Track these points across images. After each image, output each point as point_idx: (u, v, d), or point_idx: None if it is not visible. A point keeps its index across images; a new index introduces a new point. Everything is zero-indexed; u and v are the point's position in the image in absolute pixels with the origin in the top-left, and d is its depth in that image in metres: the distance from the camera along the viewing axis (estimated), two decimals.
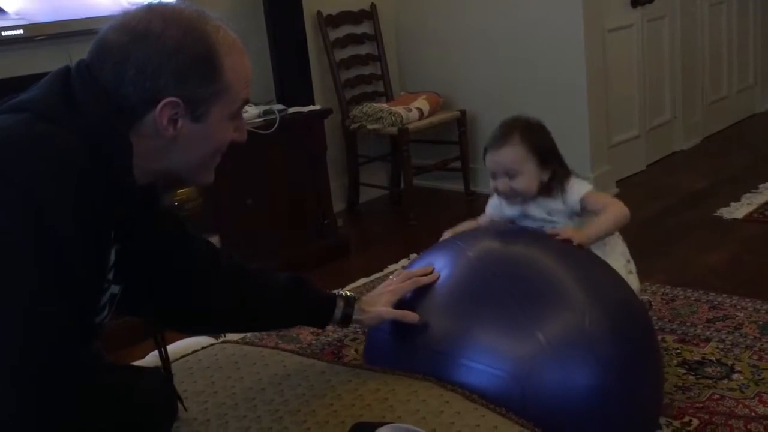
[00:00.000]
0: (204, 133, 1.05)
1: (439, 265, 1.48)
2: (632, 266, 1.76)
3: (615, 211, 1.65)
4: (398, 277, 1.49)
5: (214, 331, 1.57)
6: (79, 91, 0.99)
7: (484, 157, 1.68)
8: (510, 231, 1.66)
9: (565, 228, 1.58)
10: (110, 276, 1.06)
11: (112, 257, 1.04)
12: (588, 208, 1.66)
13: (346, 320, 1.40)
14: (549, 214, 1.68)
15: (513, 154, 1.62)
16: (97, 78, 1.00)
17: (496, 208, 1.77)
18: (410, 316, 1.40)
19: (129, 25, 1.01)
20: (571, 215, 1.68)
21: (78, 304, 0.94)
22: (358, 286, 2.68)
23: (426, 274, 1.46)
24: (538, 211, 1.69)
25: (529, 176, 1.63)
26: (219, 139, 1.08)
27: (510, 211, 1.73)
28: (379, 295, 1.44)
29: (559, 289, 1.38)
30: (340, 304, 1.40)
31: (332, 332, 2.38)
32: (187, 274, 1.25)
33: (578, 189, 1.66)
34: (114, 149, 0.98)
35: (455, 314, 1.38)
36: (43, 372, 0.88)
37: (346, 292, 1.42)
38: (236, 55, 1.05)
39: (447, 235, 1.71)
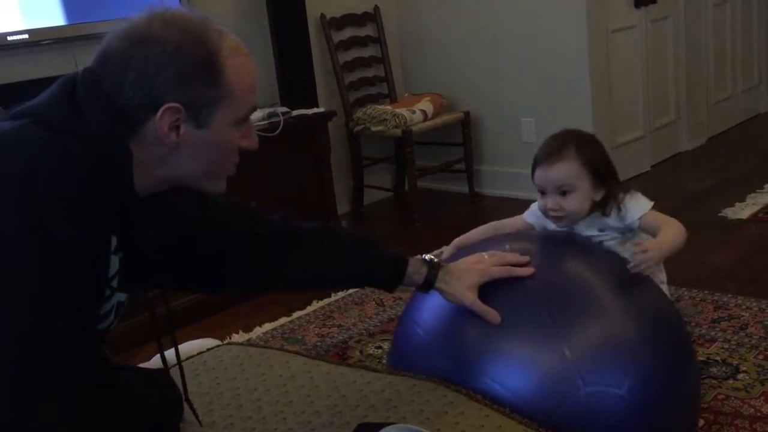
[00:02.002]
0: (208, 140, 1.03)
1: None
2: (664, 275, 1.66)
3: (678, 226, 1.51)
4: (492, 258, 1.37)
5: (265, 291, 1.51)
6: (82, 97, 0.99)
7: (533, 174, 1.52)
8: (555, 239, 1.55)
9: (646, 255, 1.39)
10: (114, 284, 1.05)
11: (116, 265, 1.03)
12: (646, 228, 1.53)
13: (427, 286, 1.35)
14: (600, 230, 1.56)
15: (567, 170, 1.48)
16: (100, 84, 1.00)
17: (537, 219, 1.63)
18: (492, 316, 1.29)
19: (130, 30, 1.01)
20: (624, 232, 1.56)
21: (78, 308, 0.93)
22: (362, 288, 2.69)
23: (521, 265, 1.36)
24: (587, 228, 1.56)
25: (582, 195, 1.49)
26: (224, 146, 1.06)
27: (554, 227, 1.59)
28: (467, 271, 1.34)
29: (600, 309, 1.32)
30: (423, 270, 1.34)
31: (337, 333, 2.39)
32: (220, 249, 1.24)
33: (638, 206, 1.52)
34: (114, 156, 0.98)
35: (487, 326, 1.29)
36: (42, 376, 0.88)
37: (431, 257, 1.38)
38: (239, 58, 1.04)
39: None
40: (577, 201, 1.49)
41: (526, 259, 1.36)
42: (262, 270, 1.29)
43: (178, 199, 1.16)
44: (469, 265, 1.37)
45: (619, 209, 1.52)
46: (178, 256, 1.21)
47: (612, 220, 1.53)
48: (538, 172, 1.51)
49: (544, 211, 1.54)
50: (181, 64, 0.99)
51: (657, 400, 1.29)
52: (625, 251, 1.54)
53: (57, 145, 0.93)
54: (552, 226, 1.60)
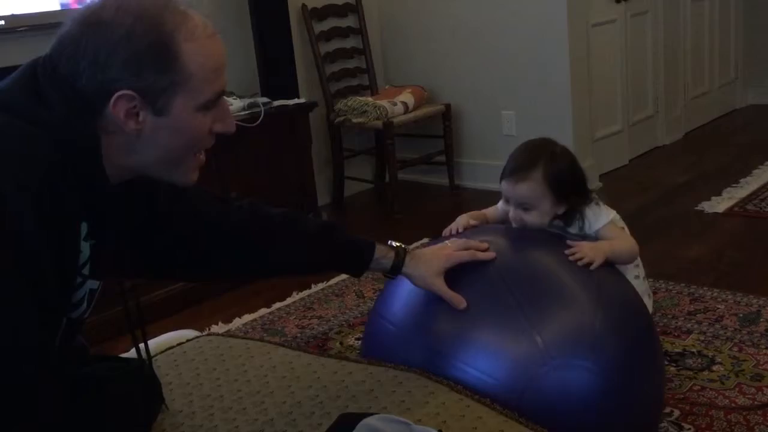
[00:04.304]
0: (171, 127, 0.99)
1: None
2: (640, 270, 1.69)
3: (629, 242, 1.55)
4: (454, 243, 1.41)
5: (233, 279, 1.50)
6: (43, 83, 0.96)
7: (501, 180, 1.55)
8: (517, 230, 1.57)
9: (582, 247, 1.43)
10: (85, 271, 1.02)
11: (87, 252, 1.01)
12: (602, 239, 1.55)
13: (394, 271, 1.37)
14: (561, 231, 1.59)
15: (531, 190, 1.50)
16: (58, 70, 0.96)
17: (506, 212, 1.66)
18: (458, 301, 1.32)
19: (83, 15, 0.97)
20: (584, 238, 1.58)
21: (41, 298, 0.91)
22: (342, 280, 2.69)
23: (482, 249, 1.38)
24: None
25: (543, 212, 1.52)
26: (190, 133, 1.01)
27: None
28: (434, 256, 1.37)
29: (563, 291, 1.35)
30: (390, 255, 1.36)
31: (317, 325, 2.39)
32: (189, 239, 1.23)
33: (598, 219, 1.55)
34: (80, 143, 0.95)
35: (453, 312, 1.33)
36: (5, 369, 0.86)
37: (398, 243, 1.39)
38: (199, 41, 0.98)
39: (461, 220, 1.63)
40: (538, 218, 1.53)
41: (485, 245, 1.40)
42: (230, 258, 1.29)
43: (149, 187, 1.14)
44: (434, 251, 1.40)
45: (581, 221, 1.55)
46: (148, 244, 1.19)
47: (572, 229, 1.57)
48: (505, 184, 1.55)
49: (505, 218, 1.58)
50: (131, 49, 0.94)
51: (622, 387, 1.31)
52: None
53: (19, 132, 0.91)
54: None
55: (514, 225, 1.56)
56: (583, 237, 1.56)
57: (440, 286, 1.34)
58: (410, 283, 1.39)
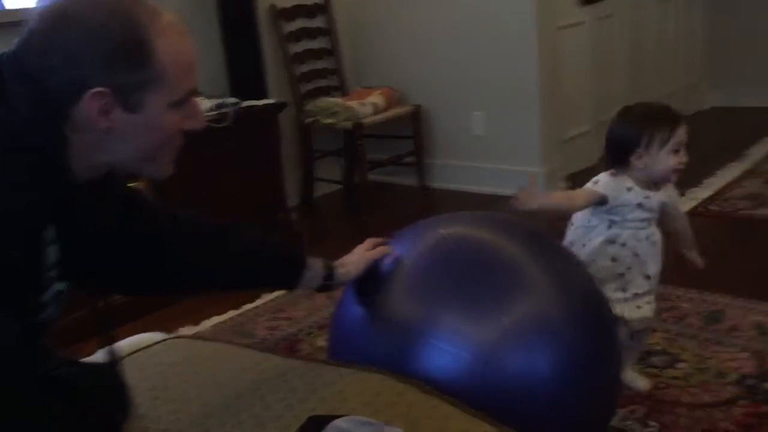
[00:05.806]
0: (142, 124, 0.98)
1: (411, 244, 1.48)
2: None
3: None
4: (361, 247, 1.49)
5: (177, 293, 1.56)
6: (8, 80, 0.93)
7: (672, 132, 1.73)
8: (484, 217, 1.64)
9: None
10: (53, 273, 1.01)
11: (55, 254, 0.99)
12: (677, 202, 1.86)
13: (327, 288, 1.43)
14: (661, 207, 1.77)
15: None
16: (25, 67, 0.94)
17: (614, 189, 1.75)
18: (384, 250, 1.44)
19: (52, 9, 0.95)
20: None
21: (7, 305, 0.89)
22: None
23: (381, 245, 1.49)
24: (656, 201, 1.75)
25: None
26: (162, 130, 1.00)
27: (634, 196, 1.74)
28: (357, 259, 1.46)
29: (525, 276, 1.40)
30: (320, 266, 1.40)
31: (287, 326, 2.38)
32: (147, 244, 1.22)
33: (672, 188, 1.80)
34: (46, 143, 0.93)
35: (422, 294, 1.38)
36: None
37: (324, 261, 1.42)
38: (172, 38, 0.97)
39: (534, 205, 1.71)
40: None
41: (383, 240, 1.50)
42: (163, 270, 1.27)
43: (108, 191, 1.12)
44: (354, 257, 1.47)
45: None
46: (109, 250, 1.17)
47: (668, 194, 1.78)
48: (680, 131, 1.75)
49: (676, 169, 1.74)
50: (105, 47, 0.93)
51: (578, 373, 1.34)
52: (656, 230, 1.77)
53: None
54: (625, 196, 1.75)
55: (679, 169, 1.74)
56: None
57: (366, 257, 1.43)
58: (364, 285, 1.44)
